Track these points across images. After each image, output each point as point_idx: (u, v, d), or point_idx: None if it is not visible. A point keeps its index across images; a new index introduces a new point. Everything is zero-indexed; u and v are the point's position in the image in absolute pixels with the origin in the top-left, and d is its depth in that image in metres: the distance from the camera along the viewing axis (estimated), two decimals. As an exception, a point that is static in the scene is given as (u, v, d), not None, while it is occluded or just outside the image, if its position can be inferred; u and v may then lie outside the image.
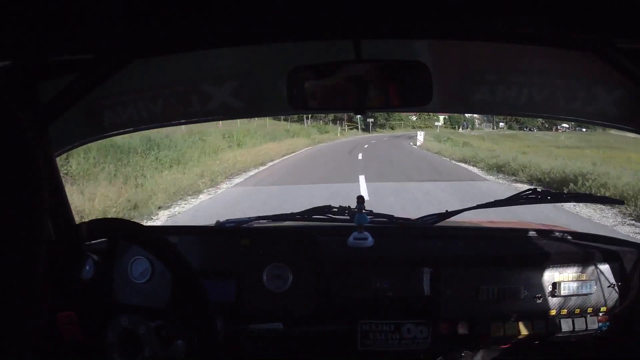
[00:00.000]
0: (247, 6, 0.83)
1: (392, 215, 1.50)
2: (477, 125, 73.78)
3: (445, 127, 62.21)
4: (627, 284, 1.29)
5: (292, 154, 18.53)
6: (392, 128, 62.20)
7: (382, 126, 61.30)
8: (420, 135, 28.88)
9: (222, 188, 9.72)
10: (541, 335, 1.28)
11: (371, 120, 52.51)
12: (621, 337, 1.30)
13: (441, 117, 63.78)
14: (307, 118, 42.56)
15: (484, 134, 45.70)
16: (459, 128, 63.72)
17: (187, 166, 11.11)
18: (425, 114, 64.82)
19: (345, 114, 46.71)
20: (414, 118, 68.94)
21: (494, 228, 1.70)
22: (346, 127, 49.35)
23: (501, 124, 72.70)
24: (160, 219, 6.92)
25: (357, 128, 52.75)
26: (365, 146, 24.48)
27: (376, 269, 1.27)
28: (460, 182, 10.76)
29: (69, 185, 7.47)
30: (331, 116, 47.86)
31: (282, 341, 1.22)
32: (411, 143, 29.49)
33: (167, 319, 0.95)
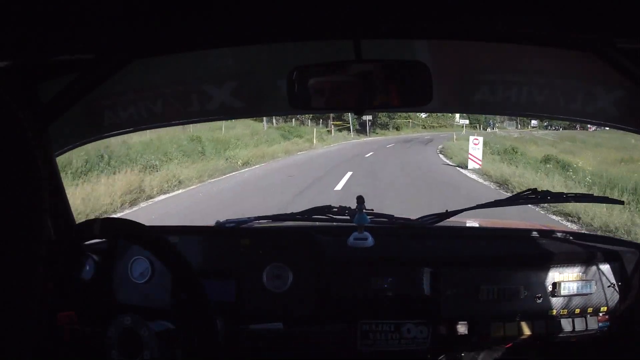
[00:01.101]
0: (247, 6, 0.83)
1: (392, 215, 1.50)
2: (497, 124, 57.89)
3: (463, 125, 44.72)
4: (627, 284, 1.29)
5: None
6: (398, 129, 43.79)
7: (384, 126, 43.25)
8: (477, 149, 13.15)
9: None
10: (541, 336, 1.28)
11: (368, 118, 35.88)
12: (621, 337, 1.30)
13: (457, 115, 47.23)
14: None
15: (533, 137, 28.80)
16: (480, 127, 47.37)
17: None
18: (440, 111, 58.60)
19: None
20: (424, 115, 52.78)
21: (494, 228, 1.70)
22: (332, 129, 32.18)
23: (534, 122, 56.62)
24: None
25: (348, 129, 35.23)
26: (338, 186, 9.07)
27: (376, 269, 1.27)
28: None
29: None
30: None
31: (282, 341, 1.22)
32: (442, 156, 16.63)
33: (168, 322, 0.95)
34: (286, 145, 19.62)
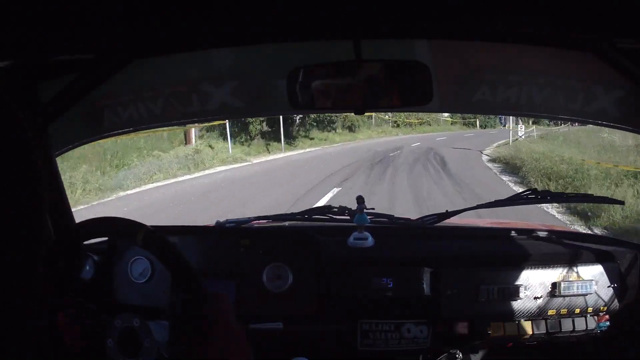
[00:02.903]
0: (247, 6, 0.83)
1: (392, 215, 1.50)
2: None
3: (451, 121, 31.79)
4: (626, 284, 1.29)
5: None
6: (351, 129, 21.14)
7: (327, 125, 19.05)
8: None
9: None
10: (541, 336, 1.28)
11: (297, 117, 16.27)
12: (621, 337, 1.30)
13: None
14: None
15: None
16: (478, 126, 33.38)
17: None
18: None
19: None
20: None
21: (494, 228, 1.70)
22: (194, 135, 12.08)
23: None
24: None
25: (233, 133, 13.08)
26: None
27: (376, 269, 1.27)
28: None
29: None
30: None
31: (282, 341, 1.22)
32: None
33: (168, 322, 0.95)
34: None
